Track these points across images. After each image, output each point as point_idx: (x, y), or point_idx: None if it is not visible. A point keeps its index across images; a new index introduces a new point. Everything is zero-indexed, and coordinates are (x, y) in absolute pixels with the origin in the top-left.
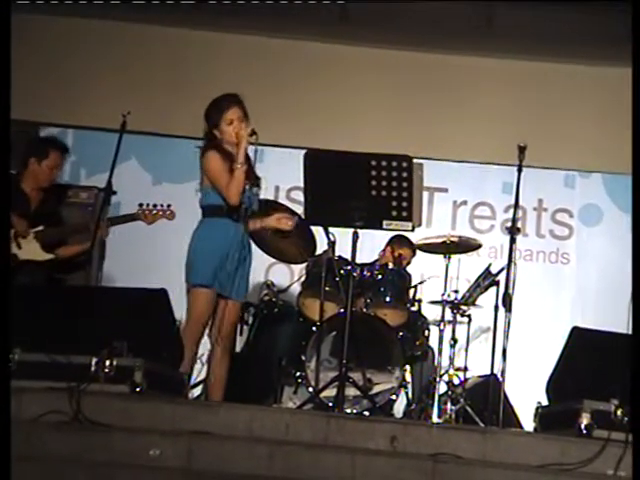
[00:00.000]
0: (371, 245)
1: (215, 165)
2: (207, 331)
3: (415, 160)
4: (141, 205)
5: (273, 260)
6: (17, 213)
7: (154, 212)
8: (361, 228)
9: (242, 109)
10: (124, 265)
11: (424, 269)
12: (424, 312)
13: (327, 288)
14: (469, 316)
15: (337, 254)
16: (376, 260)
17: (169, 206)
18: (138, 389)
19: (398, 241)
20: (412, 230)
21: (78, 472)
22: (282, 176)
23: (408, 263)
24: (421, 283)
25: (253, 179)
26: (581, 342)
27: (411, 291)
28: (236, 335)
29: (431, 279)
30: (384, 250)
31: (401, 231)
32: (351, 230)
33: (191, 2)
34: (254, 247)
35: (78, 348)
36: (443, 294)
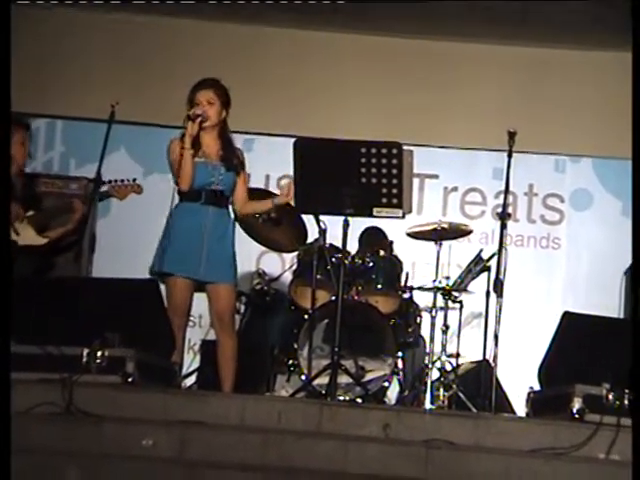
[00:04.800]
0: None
1: (171, 150)
2: (198, 320)
3: (405, 147)
4: (110, 181)
5: (264, 249)
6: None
7: (122, 187)
8: (352, 215)
9: (217, 93)
10: (115, 256)
11: (415, 256)
12: (416, 299)
13: (318, 276)
14: (461, 302)
15: (328, 242)
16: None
17: (134, 180)
18: (130, 379)
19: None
20: (403, 217)
21: (71, 463)
22: (272, 164)
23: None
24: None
25: (224, 159)
26: (572, 327)
27: (403, 278)
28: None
29: (421, 263)
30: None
31: (392, 218)
32: (342, 218)
33: None
34: (245, 236)
35: (70, 339)
36: (434, 280)
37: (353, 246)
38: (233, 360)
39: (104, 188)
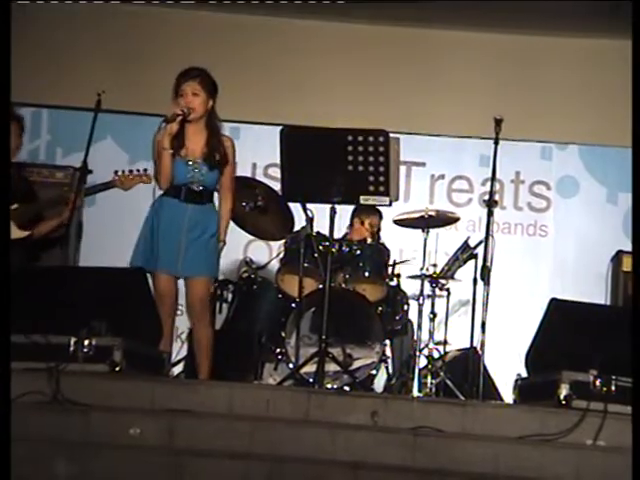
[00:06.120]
0: (347, 220)
1: (157, 144)
2: (185, 308)
3: (392, 134)
4: (116, 172)
5: (251, 237)
6: None
7: (130, 177)
8: (339, 203)
9: (202, 84)
10: (101, 245)
11: (402, 244)
12: (403, 286)
13: (306, 264)
14: (448, 290)
15: (315, 230)
16: (345, 234)
17: (145, 170)
18: (117, 368)
19: (364, 211)
20: (390, 205)
21: (58, 452)
22: (259, 153)
23: (378, 229)
24: (403, 262)
25: (208, 156)
26: (559, 313)
27: (390, 266)
28: (214, 310)
29: (408, 250)
30: (351, 223)
31: (378, 206)
32: (329, 206)
33: None
34: (232, 224)
35: (57, 328)
36: (422, 268)
37: (340, 234)
38: (208, 348)
39: (108, 179)
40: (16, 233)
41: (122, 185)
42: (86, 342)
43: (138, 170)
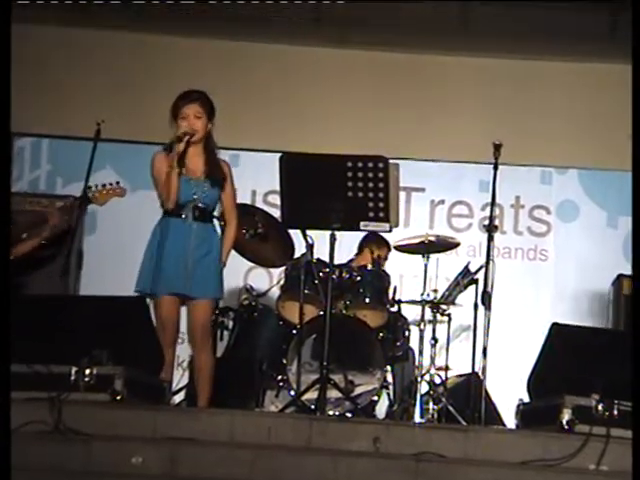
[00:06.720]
0: (350, 246)
1: (155, 165)
2: (186, 337)
3: (391, 160)
4: (90, 187)
5: (252, 264)
6: None
7: (104, 192)
8: (339, 230)
9: (203, 107)
10: (102, 273)
11: (403, 269)
12: (404, 312)
13: (306, 291)
14: (449, 315)
15: (315, 256)
16: (351, 260)
17: (118, 183)
18: (119, 397)
19: (376, 242)
20: (390, 231)
21: None
22: (258, 180)
23: (385, 260)
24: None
25: (209, 174)
26: (561, 338)
27: (390, 292)
28: (215, 337)
29: (409, 276)
30: (360, 251)
31: (379, 232)
32: (329, 232)
33: (171, 2)
34: (232, 251)
35: (58, 358)
36: (422, 294)
37: (340, 260)
38: (208, 375)
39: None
40: None
41: (97, 201)
42: (87, 371)
43: (111, 184)
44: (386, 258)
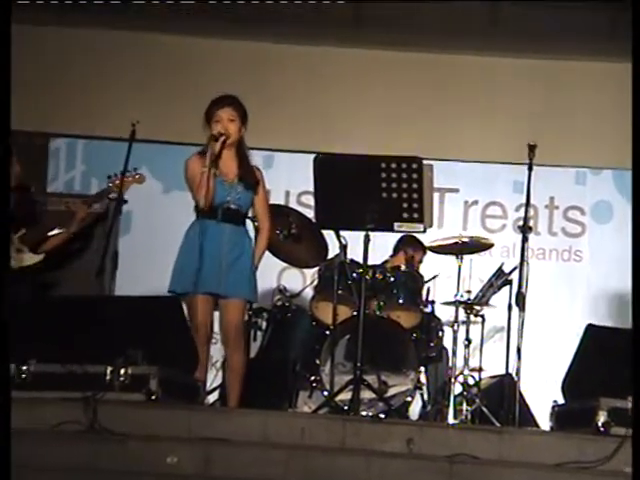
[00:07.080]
0: (384, 247)
1: (189, 167)
2: (220, 337)
3: (425, 161)
4: (109, 177)
5: (285, 265)
6: None
7: (124, 180)
8: (372, 231)
9: (236, 110)
10: (136, 273)
11: (436, 270)
12: (437, 313)
13: (340, 291)
14: (483, 316)
15: (349, 257)
16: (385, 261)
17: (135, 169)
18: (153, 397)
19: (411, 243)
20: (424, 231)
21: None
22: (292, 181)
23: (420, 263)
24: (433, 278)
25: (242, 177)
26: (596, 340)
27: (424, 292)
28: (249, 338)
29: (443, 277)
30: (396, 252)
31: (413, 233)
32: (363, 233)
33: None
34: (266, 252)
35: (93, 357)
36: (456, 294)
37: (374, 261)
38: (239, 375)
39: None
40: (32, 258)
41: (116, 188)
42: (122, 371)
43: (129, 171)
44: (421, 261)
